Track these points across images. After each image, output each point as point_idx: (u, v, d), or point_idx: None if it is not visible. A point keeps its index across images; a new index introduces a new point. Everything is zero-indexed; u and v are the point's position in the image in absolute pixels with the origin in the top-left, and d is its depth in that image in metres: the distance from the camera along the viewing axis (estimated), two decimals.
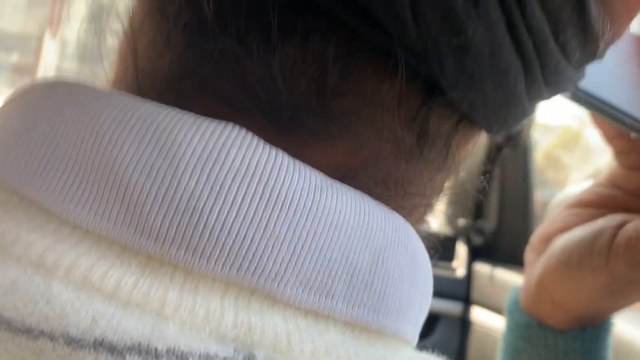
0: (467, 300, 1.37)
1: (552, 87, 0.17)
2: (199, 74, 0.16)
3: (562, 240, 0.32)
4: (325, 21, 0.15)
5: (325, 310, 0.15)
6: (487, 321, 1.29)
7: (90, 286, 0.14)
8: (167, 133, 0.14)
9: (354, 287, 0.15)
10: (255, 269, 0.14)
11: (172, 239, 0.14)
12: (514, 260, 1.30)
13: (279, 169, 0.15)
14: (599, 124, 0.32)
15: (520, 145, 1.34)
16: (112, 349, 0.13)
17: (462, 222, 1.45)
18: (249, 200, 0.14)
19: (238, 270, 0.14)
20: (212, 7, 0.15)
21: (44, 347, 0.13)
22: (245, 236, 0.14)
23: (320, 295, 0.15)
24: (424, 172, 0.18)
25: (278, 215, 0.14)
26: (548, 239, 0.34)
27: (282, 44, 0.15)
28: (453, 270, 1.40)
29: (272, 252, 0.14)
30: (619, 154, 0.33)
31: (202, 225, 0.14)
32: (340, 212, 0.15)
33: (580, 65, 0.18)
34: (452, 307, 1.37)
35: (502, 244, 1.40)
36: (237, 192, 0.14)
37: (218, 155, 0.14)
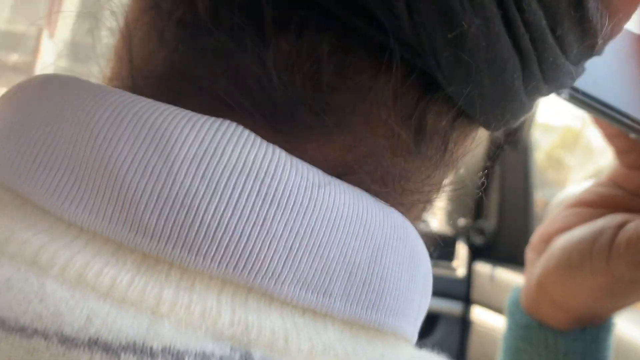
0: (467, 300, 1.37)
1: (550, 82, 0.17)
2: (193, 70, 0.16)
3: (563, 240, 0.32)
4: (319, 16, 0.15)
5: (323, 308, 0.15)
6: (488, 321, 1.29)
7: (85, 284, 0.14)
8: (162, 130, 0.14)
9: (352, 285, 0.15)
10: (252, 266, 0.14)
11: (167, 236, 0.14)
12: (514, 260, 1.30)
13: (276, 166, 0.14)
14: (600, 124, 0.32)
15: (521, 144, 1.34)
16: (106, 347, 0.13)
17: (462, 221, 1.45)
18: (245, 198, 0.14)
19: (235, 268, 0.14)
20: (205, 2, 0.15)
21: (37, 346, 0.13)
22: (241, 233, 0.14)
23: (317, 294, 0.15)
24: (422, 168, 0.18)
25: (275, 213, 0.14)
26: (548, 239, 0.34)
27: (276, 40, 0.15)
28: (453, 269, 1.40)
29: (269, 249, 0.14)
30: (620, 153, 0.33)
31: (197, 223, 0.14)
32: (338, 209, 0.15)
33: (578, 61, 0.18)
34: (452, 307, 1.37)
35: (502, 244, 1.40)
36: (233, 189, 0.14)
37: (214, 152, 0.14)
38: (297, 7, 0.15)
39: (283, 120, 0.16)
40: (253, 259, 0.14)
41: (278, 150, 0.15)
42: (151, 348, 0.13)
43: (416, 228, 0.18)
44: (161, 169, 0.14)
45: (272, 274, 0.14)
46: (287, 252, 0.14)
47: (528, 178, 1.37)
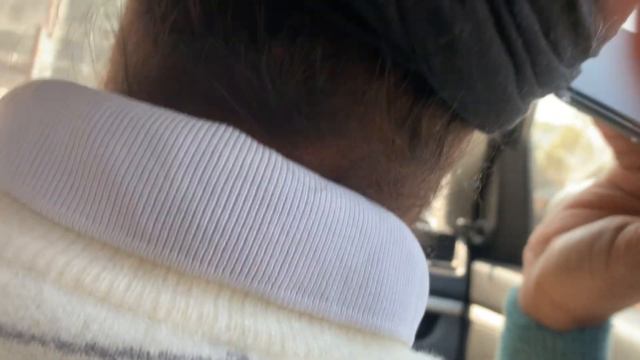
0: (466, 300, 1.37)
1: (544, 85, 0.17)
2: (188, 74, 0.16)
3: (561, 242, 0.32)
4: (312, 21, 0.15)
5: (320, 312, 0.15)
6: (487, 320, 1.29)
7: (82, 289, 0.14)
8: (158, 135, 0.14)
9: (348, 288, 0.15)
10: (249, 271, 0.14)
11: (164, 241, 0.14)
12: (513, 259, 1.30)
13: (272, 170, 0.14)
14: (599, 125, 0.32)
15: (520, 144, 1.34)
16: (103, 353, 0.13)
17: (461, 221, 1.45)
18: (242, 202, 0.14)
19: (231, 272, 0.14)
20: (198, 7, 0.15)
21: (34, 351, 0.13)
22: (238, 238, 0.14)
23: (314, 298, 0.15)
24: (418, 172, 0.18)
25: (271, 217, 0.14)
26: (547, 240, 0.34)
27: (269, 45, 0.15)
28: (452, 269, 1.40)
29: (265, 254, 0.14)
30: (619, 154, 0.33)
31: (194, 227, 0.14)
32: (334, 213, 0.15)
33: (573, 64, 0.18)
34: (451, 306, 1.37)
35: (501, 244, 1.40)
36: (230, 193, 0.14)
37: (210, 156, 0.14)
38: (290, 12, 0.15)
39: (278, 125, 0.16)
40: (250, 263, 0.14)
41: (274, 154, 0.15)
42: (148, 353, 0.13)
43: (412, 231, 0.18)
44: (158, 173, 0.14)
45: (269, 278, 0.14)
46: (284, 256, 0.14)
47: (527, 178, 1.37)
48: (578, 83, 0.24)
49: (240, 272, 0.14)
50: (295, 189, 0.15)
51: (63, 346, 0.13)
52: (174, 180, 0.14)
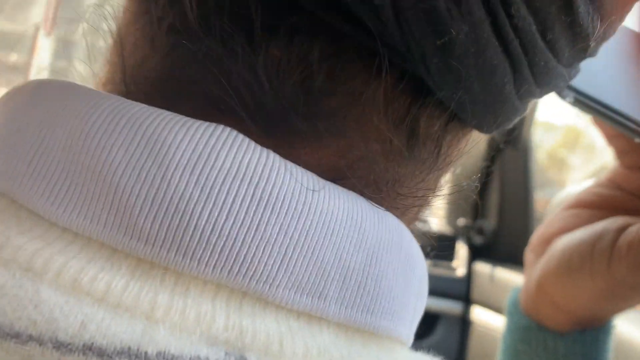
0: (467, 300, 1.37)
1: (542, 85, 0.17)
2: (185, 76, 0.16)
3: (562, 243, 0.32)
4: (309, 22, 0.15)
5: (318, 311, 0.15)
6: (487, 320, 1.29)
7: (79, 290, 0.14)
8: (156, 135, 0.14)
9: (347, 288, 0.15)
10: (247, 271, 0.14)
11: (162, 241, 0.14)
12: (514, 259, 1.30)
13: (270, 170, 0.14)
14: (600, 124, 0.32)
15: (521, 144, 1.34)
16: (101, 353, 0.13)
17: (462, 221, 1.45)
18: (239, 202, 0.14)
19: (229, 272, 0.14)
20: (195, 9, 0.15)
21: (32, 351, 0.13)
22: (236, 238, 0.14)
23: (312, 297, 0.15)
24: (416, 172, 0.18)
25: (269, 217, 0.14)
26: (548, 240, 0.34)
27: (267, 46, 0.15)
28: (453, 269, 1.40)
29: (263, 254, 0.14)
30: (621, 153, 0.32)
31: (192, 227, 0.14)
32: (332, 213, 0.15)
33: (571, 63, 0.18)
34: (452, 307, 1.37)
35: (502, 244, 1.40)
36: (227, 193, 0.14)
37: (208, 157, 0.14)
38: (287, 13, 0.15)
39: (275, 126, 0.16)
40: (247, 263, 0.14)
41: (272, 154, 0.15)
42: (146, 353, 0.13)
43: (411, 231, 0.18)
44: (155, 173, 0.14)
45: (267, 278, 0.14)
46: (282, 256, 0.14)
47: (528, 178, 1.37)
48: (580, 83, 0.24)
49: (238, 272, 0.14)
50: (293, 189, 0.14)
51: (61, 346, 0.13)
52: (172, 181, 0.14)
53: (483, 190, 1.43)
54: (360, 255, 0.15)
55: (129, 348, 0.13)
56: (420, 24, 0.14)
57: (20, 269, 0.14)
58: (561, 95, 0.24)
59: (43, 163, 0.15)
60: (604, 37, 0.18)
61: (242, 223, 0.14)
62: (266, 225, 0.14)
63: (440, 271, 1.38)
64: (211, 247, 0.14)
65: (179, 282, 0.14)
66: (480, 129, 0.18)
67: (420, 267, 0.18)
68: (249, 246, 0.14)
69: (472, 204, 1.44)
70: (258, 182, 0.14)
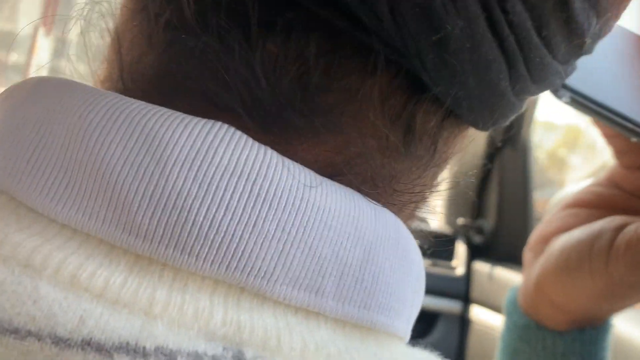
0: (466, 299, 1.37)
1: (538, 82, 0.17)
2: (182, 72, 0.16)
3: (561, 242, 0.32)
4: (306, 18, 0.15)
5: (316, 307, 0.15)
6: (487, 320, 1.29)
7: (78, 286, 0.14)
8: (154, 132, 0.14)
9: (344, 283, 0.15)
10: (245, 266, 0.14)
11: (160, 237, 0.14)
12: (513, 259, 1.30)
13: (268, 167, 0.14)
14: (599, 124, 0.32)
15: (520, 144, 1.34)
16: (100, 348, 0.13)
17: (461, 221, 1.45)
18: (237, 198, 0.14)
19: (227, 268, 0.14)
20: (192, 5, 0.15)
21: (31, 347, 0.13)
22: (234, 234, 0.14)
23: (310, 293, 0.15)
24: (413, 169, 0.18)
25: (267, 213, 0.14)
26: (546, 240, 0.34)
27: (263, 42, 0.15)
28: (452, 269, 1.40)
29: (261, 249, 0.14)
30: (619, 153, 0.32)
31: (190, 224, 0.14)
32: (329, 209, 0.15)
33: (567, 60, 0.18)
34: (451, 306, 1.37)
35: (501, 243, 1.40)
36: (225, 190, 0.14)
37: (206, 153, 0.14)
38: (283, 9, 0.15)
39: (272, 122, 0.16)
40: (245, 259, 0.14)
41: (269, 151, 0.15)
42: (144, 348, 0.13)
43: (409, 227, 0.18)
44: (153, 170, 0.14)
45: (265, 273, 0.14)
46: (279, 252, 0.14)
47: (527, 177, 1.37)
48: (577, 83, 0.24)
49: (235, 268, 0.14)
50: (291, 186, 0.15)
51: (59, 341, 0.13)
52: (169, 177, 0.14)
53: (482, 189, 1.43)
54: (358, 251, 0.15)
55: (127, 343, 0.13)
56: (416, 19, 0.14)
57: (19, 266, 0.14)
58: (557, 94, 0.24)
59: (42, 160, 0.15)
60: (599, 35, 0.18)
61: (239, 219, 0.14)
62: (264, 221, 0.14)
63: (440, 270, 1.38)
64: (209, 243, 0.14)
65: (177, 278, 0.14)
66: (476, 125, 0.18)
67: (417, 263, 0.18)
68: (247, 242, 0.14)
69: (472, 203, 1.44)
70: (255, 179, 0.14)
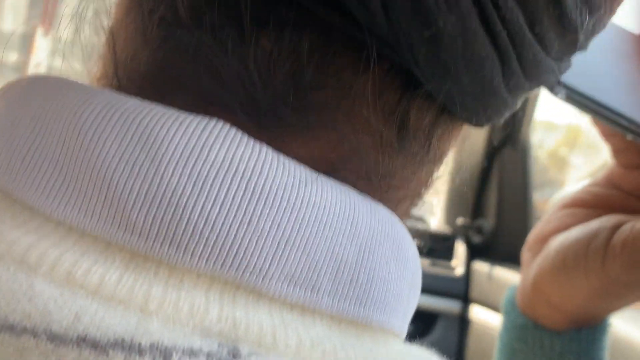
0: (466, 299, 1.37)
1: (531, 78, 0.17)
2: (176, 69, 0.16)
3: (558, 241, 0.32)
4: (299, 14, 0.15)
5: (311, 304, 0.15)
6: (486, 319, 1.29)
7: (73, 282, 0.14)
8: (149, 129, 0.14)
9: (339, 280, 0.15)
10: (240, 263, 0.14)
11: (155, 234, 0.14)
12: (512, 259, 1.30)
13: (263, 164, 0.15)
14: (597, 122, 0.32)
15: (519, 143, 1.34)
16: (95, 345, 0.13)
17: (461, 220, 1.45)
18: (232, 195, 0.14)
19: (222, 265, 0.14)
20: (185, 1, 0.15)
21: (27, 343, 0.13)
22: (229, 231, 0.14)
23: (305, 289, 0.15)
24: (407, 165, 0.18)
25: (262, 210, 0.14)
26: (544, 239, 0.34)
27: (257, 38, 0.15)
28: (452, 268, 1.40)
29: (256, 246, 0.14)
30: (617, 152, 0.32)
31: (185, 221, 0.14)
32: (325, 206, 0.15)
33: (561, 57, 0.18)
34: (451, 306, 1.37)
35: (500, 243, 1.40)
36: (220, 187, 0.14)
37: (201, 150, 0.14)
38: (276, 5, 0.15)
39: (266, 119, 0.16)
40: (241, 256, 0.14)
41: (264, 148, 0.15)
42: (139, 344, 0.13)
43: (404, 224, 0.18)
44: (148, 167, 0.14)
45: (260, 270, 0.14)
46: (275, 248, 0.14)
47: (527, 177, 1.37)
48: (573, 80, 0.24)
49: (231, 265, 0.14)
50: (286, 183, 0.15)
51: (55, 338, 0.13)
52: (164, 175, 0.14)
53: (482, 189, 1.43)
54: (353, 247, 0.15)
55: (123, 339, 0.13)
56: (408, 15, 0.14)
57: (14, 263, 0.14)
58: (553, 91, 0.24)
59: (37, 157, 0.15)
60: (593, 31, 0.18)
61: (235, 216, 0.14)
62: (259, 218, 0.14)
63: (439, 270, 1.38)
64: (204, 240, 0.14)
65: (172, 274, 0.14)
66: (470, 122, 0.18)
67: (413, 260, 0.18)
68: (242, 239, 0.14)
69: (471, 203, 1.44)
70: (251, 176, 0.14)
